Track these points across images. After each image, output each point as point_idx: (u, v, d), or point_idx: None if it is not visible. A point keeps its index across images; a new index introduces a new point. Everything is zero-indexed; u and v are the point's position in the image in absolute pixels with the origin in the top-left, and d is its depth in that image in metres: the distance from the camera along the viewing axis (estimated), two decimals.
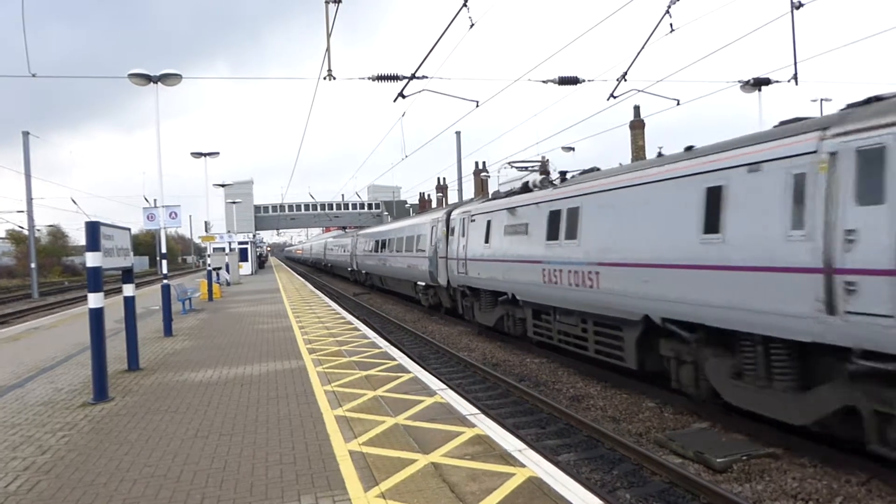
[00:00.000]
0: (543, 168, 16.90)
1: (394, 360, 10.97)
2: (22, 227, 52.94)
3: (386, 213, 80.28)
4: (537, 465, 5.61)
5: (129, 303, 11.08)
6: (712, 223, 8.44)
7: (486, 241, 16.59)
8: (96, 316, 8.93)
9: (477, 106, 16.21)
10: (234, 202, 51.74)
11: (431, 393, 8.43)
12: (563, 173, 13.87)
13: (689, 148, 9.57)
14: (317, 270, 76.17)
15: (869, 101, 6.95)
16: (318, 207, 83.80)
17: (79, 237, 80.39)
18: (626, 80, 14.37)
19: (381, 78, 14.12)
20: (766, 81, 16.43)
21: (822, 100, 32.81)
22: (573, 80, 15.02)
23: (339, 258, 51.53)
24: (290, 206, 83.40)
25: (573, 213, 12.09)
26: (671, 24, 12.21)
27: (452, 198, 71.42)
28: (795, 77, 13.61)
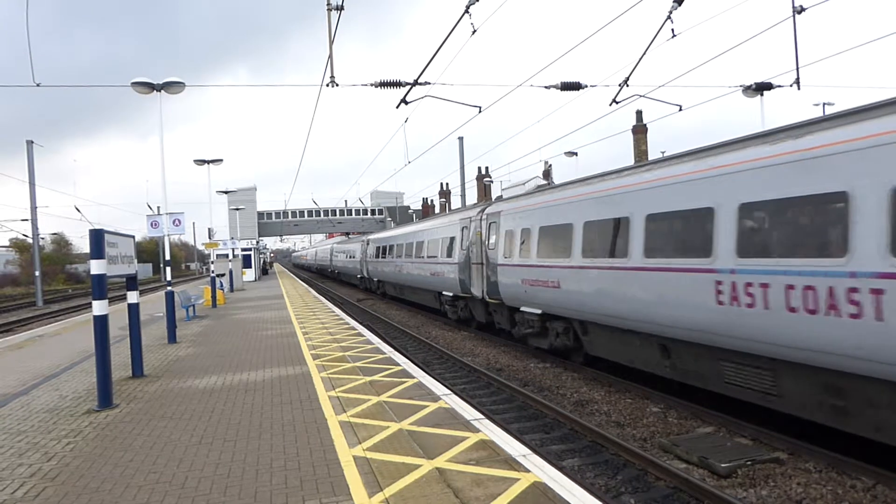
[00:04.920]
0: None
1: (398, 365, 10.98)
2: (26, 236, 53.19)
3: (389, 218, 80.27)
4: (542, 470, 5.61)
5: (134, 310, 11.11)
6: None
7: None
8: (101, 323, 8.96)
9: (480, 111, 16.27)
10: (237, 209, 51.79)
11: (435, 398, 8.44)
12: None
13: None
14: (321, 276, 76.53)
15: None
16: (322, 213, 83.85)
17: (83, 245, 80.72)
18: (628, 86, 14.40)
19: (383, 84, 14.16)
20: (769, 86, 16.46)
21: (824, 104, 32.75)
22: (575, 86, 15.07)
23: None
24: (294, 213, 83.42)
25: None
26: (673, 30, 12.24)
27: (455, 203, 71.51)
28: (798, 81, 13.65)
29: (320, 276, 76.80)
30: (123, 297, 14.59)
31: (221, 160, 29.00)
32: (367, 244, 38.96)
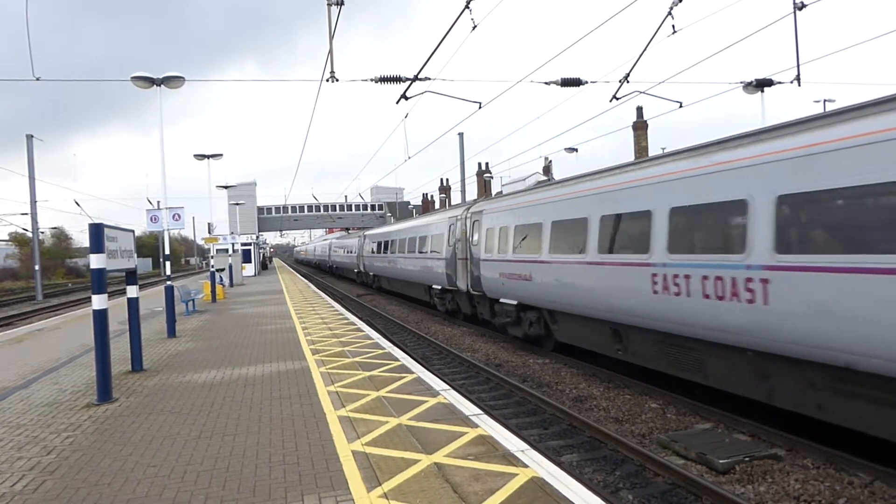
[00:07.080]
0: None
1: (397, 360, 10.99)
2: (26, 230, 53.19)
3: (389, 214, 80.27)
4: (540, 466, 5.62)
5: (133, 304, 11.11)
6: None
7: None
8: (100, 317, 8.97)
9: (480, 107, 16.24)
10: (237, 204, 51.77)
11: (434, 393, 8.45)
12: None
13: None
14: (320, 271, 76.43)
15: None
16: (322, 209, 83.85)
17: (82, 239, 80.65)
18: (628, 82, 14.38)
19: (383, 80, 14.13)
20: (769, 83, 16.43)
21: (824, 101, 32.76)
22: (576, 82, 15.03)
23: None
24: (294, 208, 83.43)
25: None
26: (673, 26, 12.22)
27: (455, 198, 71.46)
28: (798, 78, 13.61)
29: (322, 272, 76.41)
30: (123, 292, 14.59)
31: (221, 155, 29.00)
32: (467, 219, 19.27)
